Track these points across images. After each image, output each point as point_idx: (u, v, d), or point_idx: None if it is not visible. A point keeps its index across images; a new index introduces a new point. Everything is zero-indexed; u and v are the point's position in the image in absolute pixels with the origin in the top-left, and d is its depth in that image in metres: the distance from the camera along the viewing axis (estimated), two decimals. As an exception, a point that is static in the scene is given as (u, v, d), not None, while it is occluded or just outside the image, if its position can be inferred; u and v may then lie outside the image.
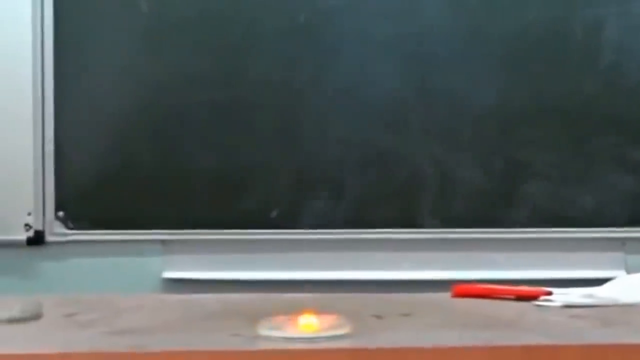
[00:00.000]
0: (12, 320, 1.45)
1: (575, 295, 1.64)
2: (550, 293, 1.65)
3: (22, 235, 2.94)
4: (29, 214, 2.94)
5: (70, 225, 2.96)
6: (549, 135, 2.96)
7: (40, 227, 2.95)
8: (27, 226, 2.94)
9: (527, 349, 1.29)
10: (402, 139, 2.95)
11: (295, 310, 1.43)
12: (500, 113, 2.95)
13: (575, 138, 2.95)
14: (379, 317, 1.50)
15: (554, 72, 2.96)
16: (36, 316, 1.48)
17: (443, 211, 2.96)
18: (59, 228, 2.96)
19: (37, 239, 2.95)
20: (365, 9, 2.94)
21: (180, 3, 2.96)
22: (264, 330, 1.36)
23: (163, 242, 2.99)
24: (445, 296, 1.71)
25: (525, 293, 1.66)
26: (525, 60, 2.97)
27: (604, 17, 2.95)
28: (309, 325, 1.39)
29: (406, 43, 2.95)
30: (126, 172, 2.96)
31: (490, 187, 2.96)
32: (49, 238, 2.96)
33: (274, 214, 2.92)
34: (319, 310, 1.43)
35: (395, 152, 2.95)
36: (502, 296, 1.68)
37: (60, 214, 2.96)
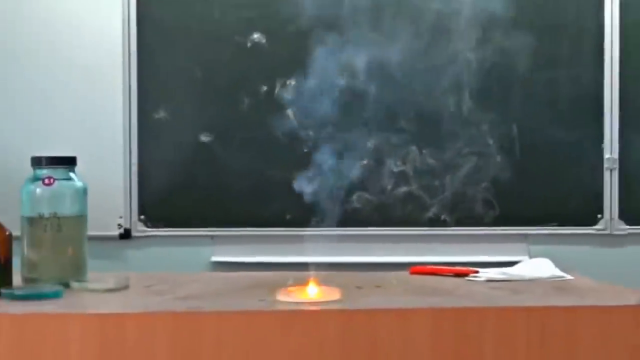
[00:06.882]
0: (108, 290, 1.45)
1: (494, 272, 1.64)
2: (477, 271, 1.65)
3: (115, 232, 2.94)
4: (120, 217, 2.94)
5: (149, 224, 2.96)
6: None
7: (128, 226, 2.95)
8: (119, 225, 2.94)
9: (460, 310, 1.29)
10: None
11: (303, 283, 1.44)
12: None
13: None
14: (359, 288, 1.50)
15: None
16: (125, 287, 1.48)
17: (405, 214, 2.92)
18: (141, 227, 2.95)
19: (125, 235, 2.95)
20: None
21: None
22: (281, 297, 1.36)
23: (212, 237, 2.98)
24: (405, 274, 1.71)
25: (460, 271, 1.66)
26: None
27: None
28: (312, 293, 1.40)
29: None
30: (186, 186, 2.95)
31: (435, 193, 2.88)
32: (134, 234, 2.96)
33: (288, 216, 2.91)
34: (319, 283, 1.44)
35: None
36: (444, 274, 1.68)
37: (142, 217, 2.96)
